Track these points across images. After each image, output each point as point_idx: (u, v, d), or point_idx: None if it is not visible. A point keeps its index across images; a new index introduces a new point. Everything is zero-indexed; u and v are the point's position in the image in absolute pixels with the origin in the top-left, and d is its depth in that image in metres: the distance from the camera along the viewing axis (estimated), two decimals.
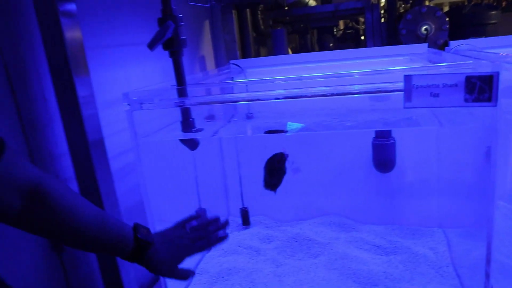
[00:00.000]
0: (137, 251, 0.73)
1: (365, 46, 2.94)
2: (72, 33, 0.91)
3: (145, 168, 1.02)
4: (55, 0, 0.87)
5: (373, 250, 1.31)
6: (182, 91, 0.97)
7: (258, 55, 2.46)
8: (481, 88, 0.79)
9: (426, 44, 1.52)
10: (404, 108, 0.82)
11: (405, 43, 2.51)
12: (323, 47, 3.45)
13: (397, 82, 0.85)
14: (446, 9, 4.74)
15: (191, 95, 0.99)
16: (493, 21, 2.56)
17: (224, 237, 0.82)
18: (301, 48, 3.45)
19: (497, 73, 0.78)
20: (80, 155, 0.96)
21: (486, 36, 2.58)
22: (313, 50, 3.56)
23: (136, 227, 0.75)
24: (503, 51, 1.39)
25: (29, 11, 0.92)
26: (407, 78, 0.81)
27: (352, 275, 1.18)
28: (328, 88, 0.89)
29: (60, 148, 1.02)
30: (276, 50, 2.33)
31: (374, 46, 2.84)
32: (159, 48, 1.01)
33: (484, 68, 0.82)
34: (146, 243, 0.74)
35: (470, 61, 0.91)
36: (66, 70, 0.91)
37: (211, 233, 0.81)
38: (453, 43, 1.47)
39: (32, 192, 0.59)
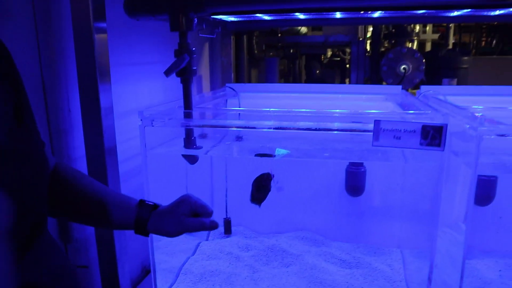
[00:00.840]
0: (142, 213, 0.81)
1: (350, 75, 3.17)
2: (101, 49, 1.07)
3: (149, 175, 1.18)
4: (91, 17, 1.02)
5: (338, 264, 1.49)
6: (188, 113, 1.14)
7: (249, 76, 2.64)
8: (433, 135, 0.99)
9: (400, 86, 1.72)
10: (372, 146, 1.01)
11: (385, 79, 2.74)
12: (311, 73, 3.67)
13: (369, 123, 1.04)
14: (428, 45, 5.02)
15: (195, 117, 1.16)
16: (465, 66, 2.82)
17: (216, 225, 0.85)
18: (289, 72, 3.66)
19: (446, 125, 0.98)
20: (96, 160, 1.12)
21: (458, 78, 2.84)
22: (300, 74, 3.78)
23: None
24: (466, 99, 1.62)
25: (67, 28, 1.08)
26: (377, 122, 1.00)
27: (319, 283, 1.36)
28: (312, 123, 1.07)
29: (77, 152, 1.17)
30: (268, 76, 2.53)
31: (357, 76, 3.07)
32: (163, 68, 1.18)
33: (437, 119, 1.01)
34: (151, 205, 0.84)
35: (429, 111, 1.10)
36: (94, 83, 1.06)
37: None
38: (424, 88, 1.67)
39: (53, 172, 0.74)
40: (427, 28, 5.19)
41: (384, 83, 2.84)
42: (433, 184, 1.17)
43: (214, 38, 2.06)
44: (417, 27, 2.99)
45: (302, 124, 1.08)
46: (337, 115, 1.11)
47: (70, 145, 1.15)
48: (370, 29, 3.34)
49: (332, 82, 3.75)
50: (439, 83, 2.82)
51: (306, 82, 3.71)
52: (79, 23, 1.04)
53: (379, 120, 0.99)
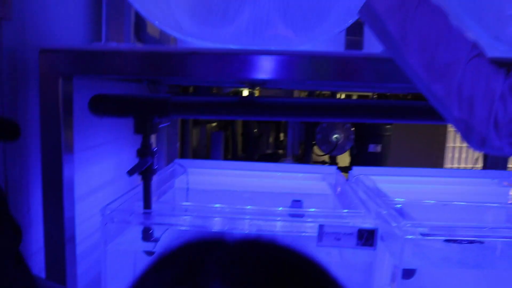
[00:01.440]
0: None
1: (286, 133, 3.39)
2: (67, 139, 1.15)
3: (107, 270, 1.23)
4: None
5: None
6: (147, 212, 1.23)
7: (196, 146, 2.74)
8: (367, 237, 1.15)
9: (335, 167, 1.91)
10: (317, 246, 1.15)
11: (319, 145, 2.97)
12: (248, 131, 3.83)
13: (311, 223, 1.18)
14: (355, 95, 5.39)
15: (153, 214, 1.24)
16: (388, 133, 3.14)
17: None
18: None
19: (377, 229, 1.15)
20: (54, 252, 1.15)
21: (383, 144, 3.15)
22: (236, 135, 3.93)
23: None
24: (393, 179, 1.83)
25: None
26: (321, 227, 1.15)
27: None
28: (257, 222, 1.19)
29: (34, 246, 1.20)
30: (213, 152, 2.65)
31: (293, 137, 3.29)
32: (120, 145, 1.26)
33: (368, 221, 1.18)
34: None
35: (362, 211, 1.28)
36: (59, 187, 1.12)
37: None
38: (356, 170, 1.87)
39: None
40: None
41: (317, 147, 3.08)
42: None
43: None
44: None
45: (248, 224, 1.19)
46: (279, 219, 1.23)
47: (28, 241, 1.18)
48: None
49: (268, 137, 3.96)
50: (366, 147, 3.11)
51: (243, 135, 3.86)
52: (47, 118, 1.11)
53: (323, 225, 1.14)
